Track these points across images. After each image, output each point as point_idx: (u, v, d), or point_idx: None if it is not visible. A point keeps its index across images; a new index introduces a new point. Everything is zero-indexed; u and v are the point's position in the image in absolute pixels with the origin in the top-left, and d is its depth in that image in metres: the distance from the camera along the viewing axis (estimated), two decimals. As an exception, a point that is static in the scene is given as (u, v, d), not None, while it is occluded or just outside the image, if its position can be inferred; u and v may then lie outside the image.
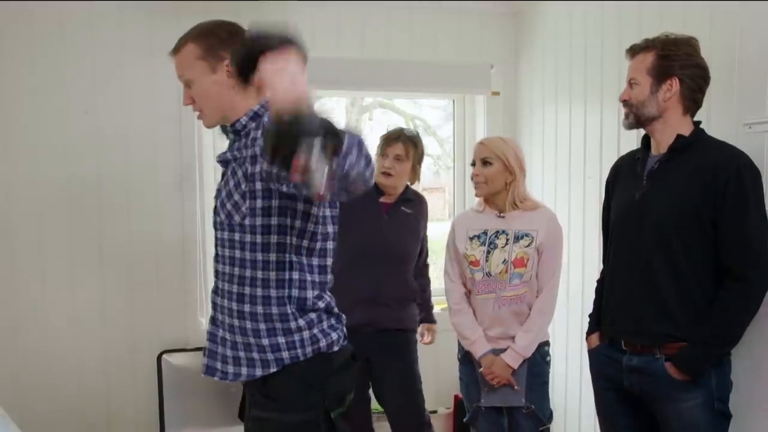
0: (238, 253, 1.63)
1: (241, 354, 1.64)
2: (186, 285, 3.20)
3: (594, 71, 2.91)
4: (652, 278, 1.92)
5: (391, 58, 3.39)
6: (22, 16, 2.94)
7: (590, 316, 2.23)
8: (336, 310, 1.74)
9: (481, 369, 2.38)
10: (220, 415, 3.00)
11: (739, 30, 2.10)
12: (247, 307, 1.61)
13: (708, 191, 1.84)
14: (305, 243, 1.62)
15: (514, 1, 3.50)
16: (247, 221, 1.59)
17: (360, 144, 1.26)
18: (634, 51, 1.99)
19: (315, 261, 1.65)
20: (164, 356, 3.09)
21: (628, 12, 2.67)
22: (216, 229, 1.73)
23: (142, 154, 3.11)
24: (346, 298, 2.56)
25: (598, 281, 2.24)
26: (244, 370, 1.64)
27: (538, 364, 2.38)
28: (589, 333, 2.20)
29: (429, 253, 2.99)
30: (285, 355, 1.61)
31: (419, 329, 2.89)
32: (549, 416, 2.41)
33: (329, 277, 1.71)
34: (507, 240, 2.36)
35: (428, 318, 2.94)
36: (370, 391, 2.78)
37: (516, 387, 2.33)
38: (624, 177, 2.11)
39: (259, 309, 1.61)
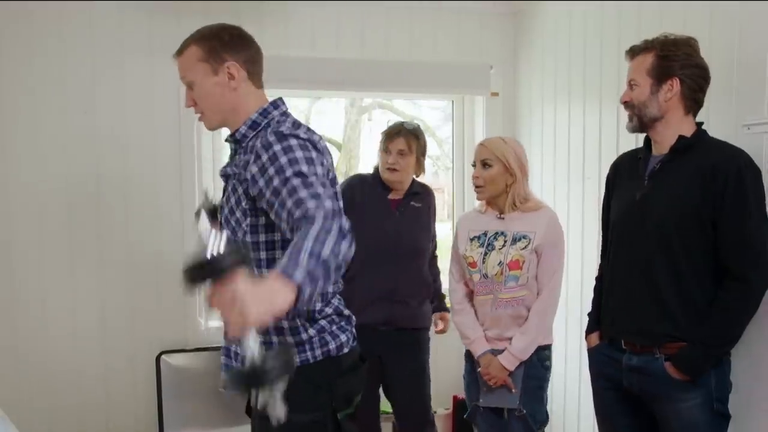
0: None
1: None
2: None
3: (593, 71, 2.92)
4: (652, 278, 1.93)
5: (390, 58, 3.39)
6: (21, 15, 2.94)
7: (589, 315, 2.22)
8: (346, 311, 1.74)
9: (479, 369, 2.38)
10: (219, 416, 3.00)
11: (739, 31, 2.10)
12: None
13: (708, 191, 1.84)
14: None
15: (513, 1, 3.50)
16: (249, 238, 1.60)
17: (326, 262, 1.24)
18: (633, 52, 1.99)
19: None
20: (163, 357, 3.09)
21: (627, 12, 2.67)
22: None
23: (141, 154, 3.11)
24: (363, 297, 2.59)
25: (596, 279, 2.24)
26: None
27: (535, 367, 2.36)
28: (588, 332, 2.19)
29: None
30: (295, 359, 1.61)
31: (433, 318, 2.89)
32: (542, 421, 2.38)
33: (338, 285, 1.72)
34: (505, 242, 2.35)
35: (441, 307, 2.94)
36: (378, 390, 2.79)
37: (513, 389, 2.32)
38: (625, 176, 2.11)
39: (270, 323, 1.62)
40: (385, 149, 2.70)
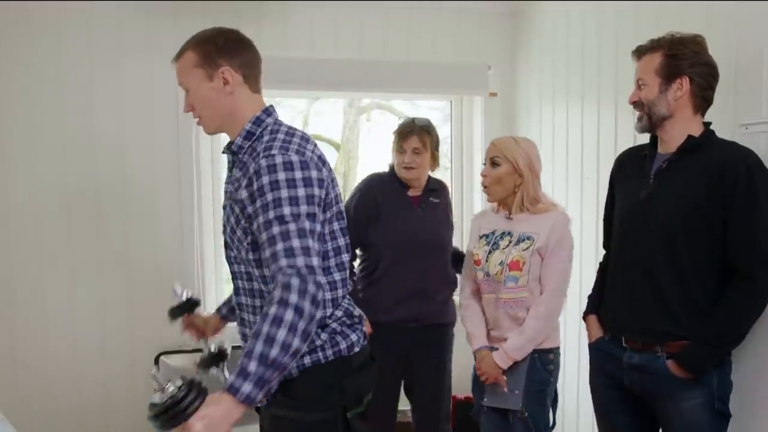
0: (256, 285, 1.65)
1: None
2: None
3: (591, 71, 2.92)
4: (655, 277, 1.92)
5: (388, 59, 3.40)
6: (18, 15, 2.93)
7: (589, 297, 2.21)
8: (356, 311, 1.74)
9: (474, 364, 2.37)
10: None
11: (736, 30, 2.10)
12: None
13: (715, 191, 1.82)
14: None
15: (512, 1, 3.51)
16: (251, 255, 1.60)
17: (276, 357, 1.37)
18: (640, 52, 1.97)
19: (332, 278, 1.66)
20: (162, 357, 3.09)
21: (625, 12, 2.68)
22: (230, 263, 1.74)
23: (139, 155, 3.11)
24: (392, 295, 2.62)
25: (600, 265, 2.23)
26: None
27: (537, 371, 2.31)
28: (586, 313, 2.18)
29: None
30: (306, 360, 1.63)
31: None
32: (545, 426, 2.35)
33: (347, 287, 1.73)
34: (510, 242, 2.34)
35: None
36: (399, 389, 2.80)
37: (505, 388, 2.29)
38: (629, 173, 2.09)
39: None
40: (399, 149, 2.69)
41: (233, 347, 1.96)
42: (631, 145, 2.27)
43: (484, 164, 2.42)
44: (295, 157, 1.53)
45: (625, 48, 2.62)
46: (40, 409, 2.98)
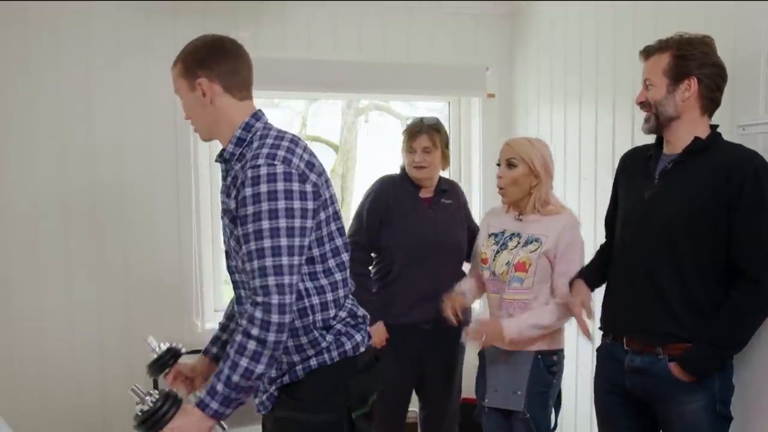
0: None
1: (273, 372, 1.69)
2: (182, 287, 3.19)
3: (589, 72, 2.93)
4: (656, 278, 1.91)
5: (386, 60, 3.39)
6: (16, 15, 2.92)
7: (587, 266, 2.23)
8: (360, 312, 1.75)
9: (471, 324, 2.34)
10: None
11: (733, 31, 2.11)
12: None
13: (721, 193, 1.81)
14: (318, 267, 1.65)
15: (512, 1, 3.51)
16: (248, 266, 1.60)
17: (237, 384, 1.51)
18: (648, 52, 1.96)
19: (333, 278, 1.67)
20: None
21: (623, 12, 2.68)
22: (231, 272, 1.75)
23: (137, 156, 3.10)
24: (406, 298, 2.63)
25: (602, 245, 2.24)
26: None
27: (540, 372, 2.30)
28: (577, 276, 2.23)
29: None
30: (313, 362, 1.65)
31: None
32: (546, 429, 2.34)
33: (349, 287, 1.73)
34: (518, 243, 2.33)
35: None
36: (411, 392, 2.80)
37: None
38: (634, 173, 2.08)
39: (290, 343, 1.64)
40: (409, 148, 2.68)
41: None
42: (628, 146, 2.27)
43: (498, 165, 2.40)
44: (280, 168, 1.53)
45: (624, 49, 2.65)
46: (37, 411, 2.97)
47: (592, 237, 2.52)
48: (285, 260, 1.51)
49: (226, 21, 3.06)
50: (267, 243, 1.50)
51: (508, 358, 2.34)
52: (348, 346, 1.67)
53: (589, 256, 2.77)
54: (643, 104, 1.97)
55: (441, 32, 3.48)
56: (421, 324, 2.63)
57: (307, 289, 1.63)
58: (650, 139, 2.06)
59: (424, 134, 2.66)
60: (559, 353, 2.36)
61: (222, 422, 1.67)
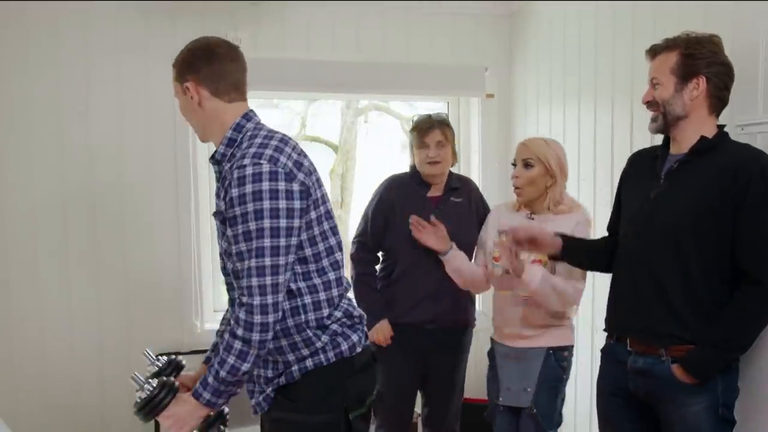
0: None
1: (269, 372, 1.70)
2: (181, 288, 3.19)
3: (588, 72, 2.93)
4: (660, 278, 1.89)
5: (386, 60, 3.40)
6: (14, 15, 2.92)
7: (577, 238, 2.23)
8: (356, 312, 1.75)
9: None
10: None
11: (732, 31, 2.10)
12: (270, 344, 1.62)
13: (727, 192, 1.80)
14: (311, 267, 1.65)
15: (511, 1, 3.51)
16: (237, 266, 1.60)
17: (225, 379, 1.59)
18: (655, 51, 1.95)
19: (326, 277, 1.67)
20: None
21: (622, 12, 2.68)
22: (225, 274, 1.76)
23: (136, 156, 3.10)
24: (410, 297, 2.64)
25: (605, 237, 2.24)
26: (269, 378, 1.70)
27: (551, 366, 2.32)
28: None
29: None
30: (309, 363, 1.65)
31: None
32: (554, 423, 2.35)
33: (344, 285, 1.73)
34: None
35: None
36: (416, 393, 2.80)
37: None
38: (640, 173, 2.07)
39: (283, 342, 1.65)
40: (421, 144, 2.66)
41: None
42: (627, 146, 2.28)
43: (514, 165, 2.40)
44: (266, 167, 1.54)
45: (623, 49, 2.65)
46: (37, 411, 2.97)
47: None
48: (268, 261, 1.53)
49: (225, 21, 3.06)
50: (252, 245, 1.52)
51: (519, 355, 2.36)
52: (344, 346, 1.66)
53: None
54: (650, 103, 1.95)
55: (440, 32, 3.48)
56: (425, 323, 2.64)
57: (299, 289, 1.63)
58: (650, 139, 2.05)
59: (437, 128, 2.66)
60: (570, 349, 2.39)
61: (222, 425, 1.72)
